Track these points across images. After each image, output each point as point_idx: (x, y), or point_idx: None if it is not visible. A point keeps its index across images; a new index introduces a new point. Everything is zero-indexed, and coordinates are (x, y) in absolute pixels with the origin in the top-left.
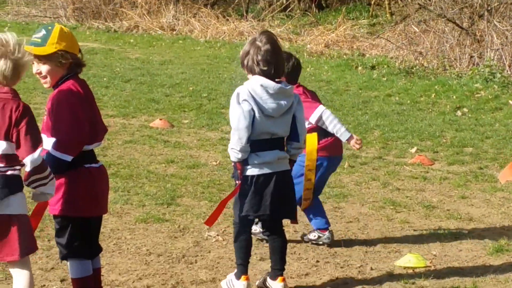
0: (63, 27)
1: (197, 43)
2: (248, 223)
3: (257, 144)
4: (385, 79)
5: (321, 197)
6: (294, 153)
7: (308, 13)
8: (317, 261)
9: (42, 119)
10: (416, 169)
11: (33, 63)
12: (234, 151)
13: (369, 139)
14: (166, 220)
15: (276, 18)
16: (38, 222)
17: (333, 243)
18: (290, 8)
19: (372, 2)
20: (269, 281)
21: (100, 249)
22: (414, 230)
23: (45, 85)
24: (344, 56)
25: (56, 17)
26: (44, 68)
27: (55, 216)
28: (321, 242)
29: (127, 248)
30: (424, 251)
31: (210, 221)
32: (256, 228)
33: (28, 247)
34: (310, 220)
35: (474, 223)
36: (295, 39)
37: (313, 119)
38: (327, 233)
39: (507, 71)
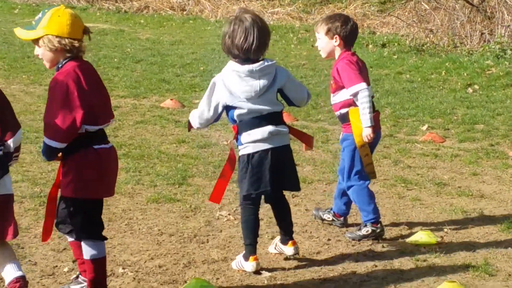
0: (62, 10)
1: (207, 23)
2: (252, 201)
3: (247, 123)
4: (395, 57)
5: (331, 176)
6: (303, 105)
7: None
8: (329, 239)
9: None
10: (427, 146)
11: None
12: (193, 122)
13: (381, 117)
14: (178, 200)
15: None
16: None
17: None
18: None
19: None
20: (281, 246)
21: (103, 227)
22: (426, 208)
23: (46, 66)
24: None
25: None
26: (39, 51)
27: (66, 198)
28: (333, 224)
29: (139, 228)
30: (435, 228)
31: (214, 198)
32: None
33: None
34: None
35: (485, 200)
36: (305, 18)
37: (350, 91)
38: (341, 219)
39: None
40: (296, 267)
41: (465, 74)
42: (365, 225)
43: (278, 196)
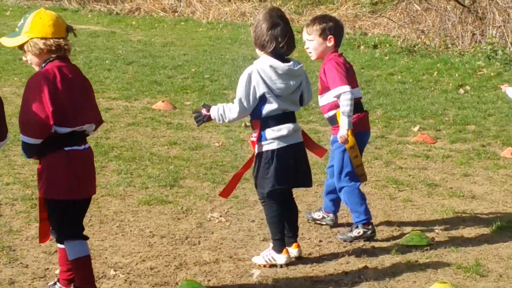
0: (42, 12)
1: (199, 25)
2: (276, 196)
3: (271, 119)
4: (387, 58)
5: (323, 177)
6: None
7: None
8: (320, 241)
9: None
10: (419, 147)
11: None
12: (223, 117)
13: (372, 118)
14: (169, 202)
15: None
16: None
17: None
18: None
19: None
20: (274, 255)
21: (82, 229)
22: (417, 208)
23: (36, 70)
24: (346, 36)
25: (58, 0)
26: (28, 57)
27: (42, 199)
28: (324, 223)
29: (130, 230)
30: (426, 229)
31: (226, 193)
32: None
33: None
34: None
35: (477, 201)
36: (297, 19)
37: (333, 93)
38: (331, 215)
39: (509, 48)
40: (287, 268)
41: (456, 75)
42: (357, 227)
43: (291, 197)
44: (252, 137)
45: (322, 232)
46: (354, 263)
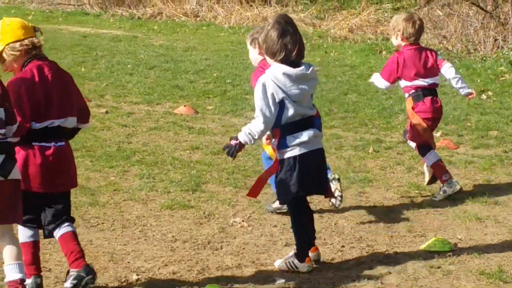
0: (6, 20)
1: (221, 29)
2: (300, 202)
3: (291, 126)
4: None
5: (345, 182)
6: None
7: None
8: (343, 246)
9: None
10: (441, 153)
11: None
12: (251, 135)
13: (394, 124)
14: (191, 207)
15: (299, 3)
16: None
17: (358, 228)
18: None
19: None
20: (296, 263)
21: (71, 219)
22: (440, 214)
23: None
24: (368, 41)
25: (80, 4)
26: (7, 65)
27: None
28: (284, 209)
29: (153, 235)
30: (449, 235)
31: (253, 193)
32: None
33: None
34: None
35: (499, 207)
36: (318, 24)
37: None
38: None
39: None
40: (310, 274)
41: (478, 80)
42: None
43: (307, 201)
44: (273, 145)
45: (345, 237)
46: (377, 269)
